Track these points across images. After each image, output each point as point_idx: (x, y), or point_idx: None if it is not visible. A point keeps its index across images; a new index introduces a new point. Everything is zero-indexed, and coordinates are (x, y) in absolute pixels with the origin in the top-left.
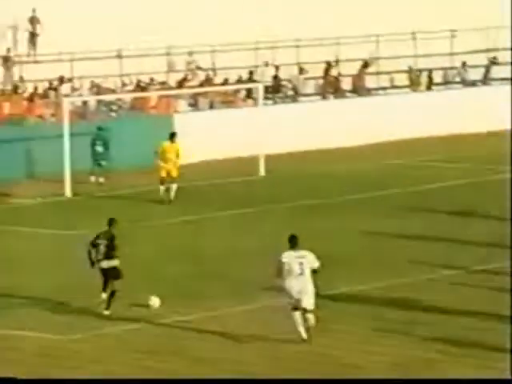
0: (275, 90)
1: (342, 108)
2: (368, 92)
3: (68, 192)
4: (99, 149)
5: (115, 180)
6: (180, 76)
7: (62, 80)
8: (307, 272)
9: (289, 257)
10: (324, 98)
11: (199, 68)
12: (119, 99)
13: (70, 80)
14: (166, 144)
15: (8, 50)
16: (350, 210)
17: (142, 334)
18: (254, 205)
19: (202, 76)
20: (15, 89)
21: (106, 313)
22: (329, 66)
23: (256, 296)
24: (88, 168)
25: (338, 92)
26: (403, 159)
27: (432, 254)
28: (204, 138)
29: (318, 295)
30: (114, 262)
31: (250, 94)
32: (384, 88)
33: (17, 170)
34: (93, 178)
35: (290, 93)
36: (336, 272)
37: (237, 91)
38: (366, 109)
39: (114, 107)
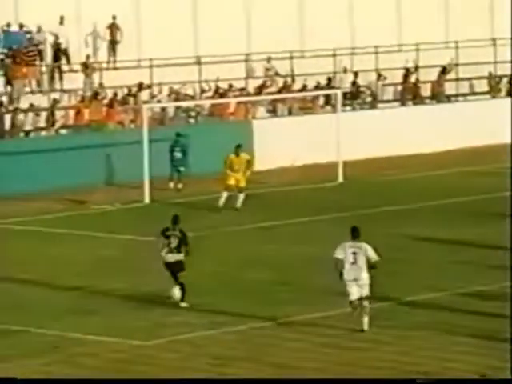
0: (354, 96)
1: (420, 114)
2: (447, 98)
3: (147, 198)
4: (178, 155)
5: (193, 186)
6: (259, 82)
7: (141, 86)
8: (361, 261)
9: (342, 247)
10: (403, 104)
11: (278, 74)
12: (198, 105)
13: (149, 86)
14: (232, 157)
15: (88, 56)
16: (426, 217)
17: (217, 340)
18: (332, 211)
19: (280, 82)
20: (95, 95)
21: (184, 304)
22: (408, 72)
23: (331, 303)
24: (166, 174)
25: (417, 98)
26: (483, 166)
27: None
28: (282, 145)
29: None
30: (180, 256)
31: (328, 100)
32: (464, 94)
33: (96, 175)
34: (171, 184)
35: (369, 99)
36: (413, 279)
37: (315, 97)
38: (445, 115)
39: (193, 113)
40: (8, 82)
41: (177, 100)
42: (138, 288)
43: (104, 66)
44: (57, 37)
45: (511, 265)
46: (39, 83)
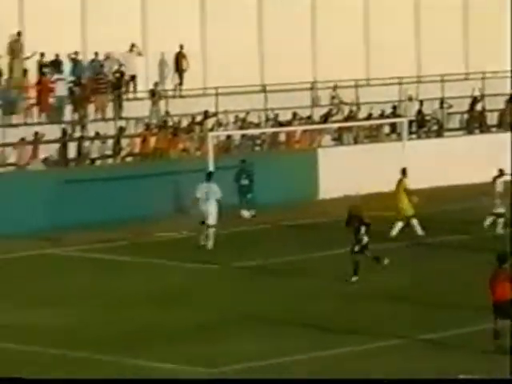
0: (419, 124)
1: (487, 143)
2: None
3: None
4: (245, 182)
5: (258, 215)
6: (324, 111)
7: (206, 114)
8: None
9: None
10: (469, 132)
11: (343, 102)
12: (263, 133)
13: (215, 114)
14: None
15: (156, 84)
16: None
17: None
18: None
19: (346, 111)
20: (162, 123)
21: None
22: (474, 100)
23: None
24: (231, 202)
25: (484, 127)
26: None
27: None
28: (347, 173)
29: None
30: None
31: (394, 128)
32: None
33: (162, 203)
34: (245, 213)
35: (435, 127)
36: None
37: (381, 126)
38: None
39: (258, 141)
40: (75, 110)
41: (242, 128)
42: (200, 317)
43: (170, 94)
44: (124, 65)
45: None
46: (105, 111)
